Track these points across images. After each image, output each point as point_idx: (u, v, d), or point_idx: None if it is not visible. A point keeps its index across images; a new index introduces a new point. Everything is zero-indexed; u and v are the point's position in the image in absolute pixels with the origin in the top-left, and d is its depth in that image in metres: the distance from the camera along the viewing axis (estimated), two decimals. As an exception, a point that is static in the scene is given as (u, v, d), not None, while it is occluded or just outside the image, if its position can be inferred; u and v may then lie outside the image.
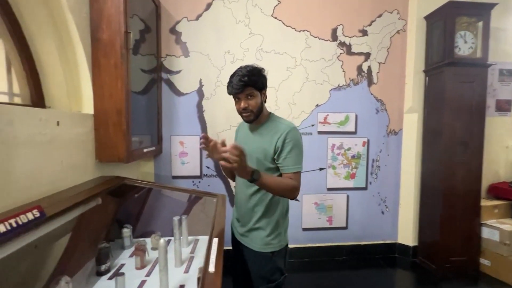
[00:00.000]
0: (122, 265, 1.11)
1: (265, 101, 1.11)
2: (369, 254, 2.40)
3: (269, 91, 2.22)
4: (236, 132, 1.32)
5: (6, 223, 0.65)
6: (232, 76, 1.07)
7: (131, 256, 1.19)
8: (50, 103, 1.26)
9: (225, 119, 2.13)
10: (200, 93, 2.11)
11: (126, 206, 1.41)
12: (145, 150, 1.65)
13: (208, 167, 2.14)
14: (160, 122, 2.04)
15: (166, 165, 2.08)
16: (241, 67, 1.07)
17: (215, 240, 0.87)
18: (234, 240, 1.24)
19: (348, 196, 2.35)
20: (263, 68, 1.08)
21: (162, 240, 0.88)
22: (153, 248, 1.26)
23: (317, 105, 2.26)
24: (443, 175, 2.08)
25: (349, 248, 2.38)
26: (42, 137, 0.95)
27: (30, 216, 0.72)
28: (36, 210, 0.75)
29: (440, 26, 2.11)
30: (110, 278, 1.01)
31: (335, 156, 2.31)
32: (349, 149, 2.32)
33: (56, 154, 1.02)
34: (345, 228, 2.36)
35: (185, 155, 2.10)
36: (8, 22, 1.10)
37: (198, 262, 1.13)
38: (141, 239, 1.34)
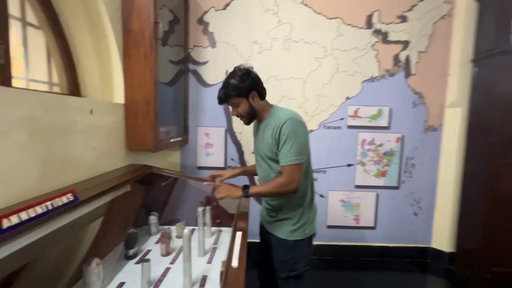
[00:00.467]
0: (149, 251, 1.15)
1: (263, 98, 1.11)
2: (398, 257, 2.26)
3: (296, 83, 2.17)
4: (253, 131, 1.32)
5: (42, 205, 0.68)
6: None
7: (157, 242, 1.22)
8: (85, 93, 1.31)
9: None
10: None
11: (153, 194, 1.45)
12: (172, 140, 1.68)
13: (232, 159, 2.14)
14: (186, 113, 2.06)
15: (192, 156, 2.12)
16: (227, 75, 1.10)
17: (239, 234, 0.85)
18: (262, 229, 1.27)
19: (377, 195, 2.22)
20: (244, 72, 1.06)
21: (186, 230, 0.87)
22: (178, 236, 1.28)
23: (347, 98, 2.14)
24: (489, 176, 1.87)
25: (377, 249, 2.26)
26: (77, 125, 0.99)
27: (64, 199, 0.76)
28: (70, 194, 0.78)
29: (494, 8, 1.86)
30: (137, 263, 1.05)
31: (365, 152, 2.18)
32: (380, 145, 2.17)
33: (89, 141, 1.07)
34: (373, 228, 2.25)
35: (210, 146, 2.12)
36: (48, 14, 1.16)
37: (221, 254, 1.13)
38: (166, 226, 1.37)
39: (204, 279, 0.95)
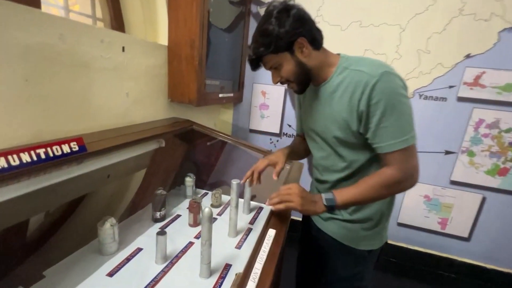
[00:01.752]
0: (178, 216, 1.02)
1: (318, 47, 0.73)
2: (495, 284, 1.68)
3: (389, 31, 1.55)
4: (297, 98, 0.94)
5: (32, 152, 0.55)
6: None
7: (188, 208, 1.09)
8: (129, 31, 1.16)
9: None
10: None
11: (192, 153, 1.30)
12: (220, 96, 1.47)
13: (289, 125, 1.83)
14: (243, 66, 1.79)
15: (245, 116, 1.90)
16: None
17: (270, 234, 0.59)
18: (308, 221, 0.96)
19: (484, 198, 1.60)
20: (280, 9, 0.67)
21: (207, 210, 0.67)
22: (213, 206, 1.13)
23: (467, 56, 1.47)
24: None
25: (465, 267, 1.72)
26: (104, 62, 0.84)
27: (66, 149, 0.62)
28: (75, 143, 0.64)
29: None
30: (160, 228, 0.93)
31: (479, 137, 1.53)
32: (509, 130, 1.48)
33: (120, 84, 0.92)
34: (466, 239, 1.69)
35: (265, 107, 1.84)
36: None
37: (254, 238, 0.91)
38: (203, 191, 1.24)
39: (226, 268, 0.76)
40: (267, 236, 0.61)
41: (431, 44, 1.49)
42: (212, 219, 0.68)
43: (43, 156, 0.57)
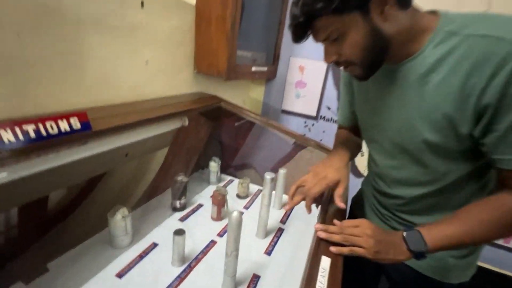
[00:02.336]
0: (200, 206, 0.90)
1: (405, 6, 0.46)
2: None
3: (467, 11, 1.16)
4: (344, 77, 0.71)
5: (17, 129, 0.42)
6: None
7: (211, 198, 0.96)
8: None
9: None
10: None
11: (218, 134, 1.15)
12: (253, 69, 1.27)
13: (329, 108, 1.59)
14: (280, 35, 1.55)
15: (278, 95, 1.69)
16: None
17: (324, 265, 0.42)
18: None
19: None
20: None
21: (235, 214, 0.52)
22: (239, 196, 0.99)
23: None
24: None
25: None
26: (118, 20, 0.68)
27: (64, 126, 0.49)
28: (76, 118, 0.51)
29: None
30: (180, 220, 0.82)
31: None
32: None
33: (138, 49, 0.77)
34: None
35: (302, 85, 1.61)
36: None
37: (288, 242, 0.77)
38: (228, 177, 1.10)
39: (254, 281, 0.63)
40: (321, 269, 0.44)
41: (531, 10, 1.12)
42: (241, 226, 0.54)
43: (32, 134, 0.44)
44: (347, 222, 0.56)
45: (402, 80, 0.52)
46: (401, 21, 0.46)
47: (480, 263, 1.47)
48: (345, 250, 0.51)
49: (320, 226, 0.58)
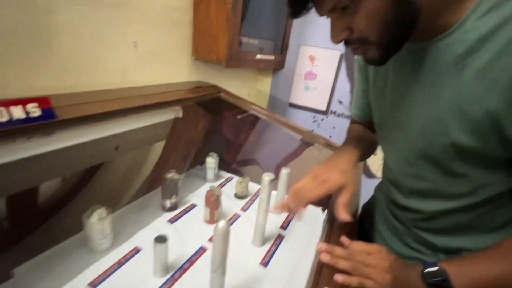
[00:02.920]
0: (193, 206, 0.82)
1: None
2: None
3: None
4: (359, 63, 0.58)
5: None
6: None
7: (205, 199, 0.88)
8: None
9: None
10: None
11: (217, 127, 1.07)
12: (257, 57, 1.16)
13: (341, 102, 1.47)
14: (289, 23, 1.43)
15: (285, 86, 1.57)
16: None
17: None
18: None
19: None
20: None
21: (221, 224, 0.43)
22: (237, 196, 0.90)
23: None
24: None
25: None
26: (99, -8, 0.59)
27: (18, 113, 0.41)
28: (35, 104, 0.43)
29: None
30: (169, 221, 0.74)
31: None
32: None
33: (125, 28, 0.68)
34: None
35: (313, 77, 1.49)
36: None
37: (287, 252, 0.68)
38: (227, 175, 1.02)
39: (246, 298, 0.54)
40: None
41: None
42: (228, 237, 0.45)
43: (-28, 122, 0.36)
44: (359, 246, 0.46)
45: (431, 65, 0.40)
46: None
47: None
48: (354, 280, 0.41)
49: (324, 246, 0.48)
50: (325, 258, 0.46)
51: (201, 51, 0.94)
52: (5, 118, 0.39)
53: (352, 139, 0.64)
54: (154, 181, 0.89)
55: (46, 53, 0.53)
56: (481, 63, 0.35)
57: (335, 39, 0.41)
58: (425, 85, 0.42)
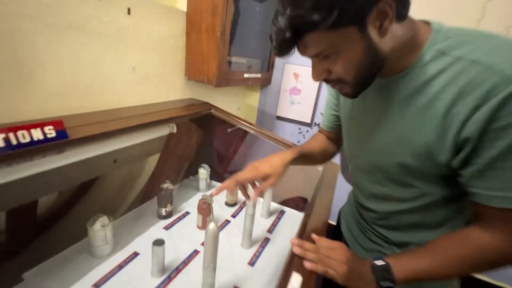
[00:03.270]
0: (186, 213, 0.89)
1: (403, 17, 0.41)
2: None
3: (465, 4, 1.17)
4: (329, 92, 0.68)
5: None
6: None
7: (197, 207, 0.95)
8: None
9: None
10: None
11: (209, 141, 1.15)
12: (245, 76, 1.27)
13: (322, 114, 1.58)
14: (275, 42, 1.55)
15: (272, 101, 1.69)
16: None
17: (294, 284, 0.41)
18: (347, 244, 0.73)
19: None
20: None
21: (211, 226, 0.51)
22: (227, 204, 0.98)
23: None
24: None
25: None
26: (102, 26, 0.68)
27: (37, 135, 0.48)
28: (51, 127, 0.50)
29: None
30: (165, 228, 0.81)
31: None
32: None
33: (124, 55, 0.77)
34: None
35: (297, 92, 1.61)
36: None
37: (273, 252, 0.75)
38: (218, 185, 1.09)
39: (235, 293, 0.61)
40: (289, 286, 0.43)
41: (525, 19, 1.11)
42: (217, 238, 0.52)
43: (1, 143, 0.43)
44: (325, 242, 0.54)
45: (388, 98, 0.48)
46: (398, 35, 0.42)
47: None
48: (318, 268, 0.49)
49: (296, 241, 0.56)
50: (297, 250, 0.54)
51: (193, 72, 1.03)
52: (27, 140, 0.47)
53: (301, 145, 0.73)
54: (149, 191, 0.96)
55: (56, 79, 0.61)
56: (422, 102, 0.43)
57: (315, 78, 0.47)
58: (382, 113, 0.50)
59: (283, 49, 0.43)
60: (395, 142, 0.48)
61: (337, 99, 0.70)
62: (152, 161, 1.02)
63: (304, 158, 0.68)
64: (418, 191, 0.50)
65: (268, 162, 0.61)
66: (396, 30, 0.41)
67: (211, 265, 0.54)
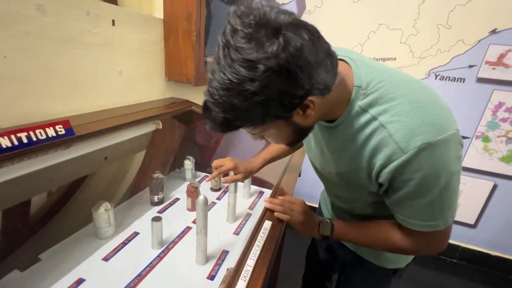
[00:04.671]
0: (177, 200, 1.01)
1: (328, 91, 0.41)
2: (497, 270, 1.67)
3: (405, 3, 1.44)
4: None
5: (13, 136, 0.52)
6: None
7: (186, 192, 1.07)
8: (122, 3, 1.08)
9: (335, 42, 1.55)
10: (300, 3, 1.55)
11: (192, 135, 1.26)
12: (221, 74, 1.39)
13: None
14: (247, 42, 1.68)
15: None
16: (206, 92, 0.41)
17: (266, 226, 0.56)
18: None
19: (495, 186, 1.54)
20: (263, 37, 0.34)
21: (201, 197, 0.64)
22: (212, 189, 1.10)
23: (493, 31, 1.33)
24: None
25: (469, 254, 1.71)
26: (92, 37, 0.77)
27: (51, 132, 0.58)
28: (61, 126, 0.60)
29: None
30: (158, 212, 0.92)
31: (496, 122, 1.44)
32: (530, 115, 1.38)
33: (112, 61, 0.86)
34: (472, 226, 1.66)
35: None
36: None
37: (253, 224, 0.89)
38: (203, 174, 1.21)
39: (223, 255, 0.75)
40: (262, 228, 0.58)
41: (452, 18, 1.35)
42: (207, 207, 0.65)
43: (25, 140, 0.53)
44: (288, 198, 0.70)
45: (331, 139, 0.55)
46: (320, 108, 0.44)
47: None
48: (283, 216, 0.65)
49: (268, 198, 0.72)
50: (268, 204, 0.70)
51: (172, 74, 1.14)
52: (44, 137, 0.57)
53: (270, 148, 0.92)
54: (138, 184, 1.05)
55: (55, 86, 0.70)
56: (352, 151, 0.49)
57: (253, 138, 0.53)
58: (331, 145, 0.55)
59: (222, 130, 0.43)
60: (340, 173, 0.57)
61: None
62: (136, 158, 1.11)
63: (273, 158, 0.91)
64: (371, 200, 0.60)
65: (244, 165, 0.85)
66: (321, 104, 0.42)
67: (203, 230, 0.67)
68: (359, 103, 0.46)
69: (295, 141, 0.50)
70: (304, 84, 0.37)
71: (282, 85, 0.36)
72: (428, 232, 0.49)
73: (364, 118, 0.46)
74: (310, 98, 0.39)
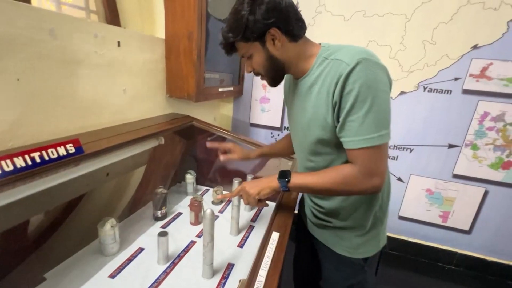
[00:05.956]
0: (179, 214, 1.02)
1: (296, 38, 0.65)
2: (494, 275, 1.70)
3: (394, 21, 1.51)
4: (284, 92, 0.88)
5: (27, 156, 0.53)
6: None
7: (189, 206, 1.08)
8: (125, 23, 1.12)
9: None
10: (294, 22, 1.63)
11: (192, 149, 1.28)
12: (220, 90, 1.43)
13: (290, 119, 1.80)
14: (242, 59, 1.74)
15: (245, 110, 1.87)
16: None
17: (274, 237, 0.58)
18: (302, 229, 0.92)
19: (486, 192, 1.60)
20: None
21: (209, 211, 0.65)
22: (214, 203, 1.12)
23: (474, 47, 1.43)
24: None
25: (465, 259, 1.74)
26: (99, 58, 0.80)
27: (62, 151, 0.60)
28: (71, 144, 0.62)
29: None
30: (162, 227, 0.92)
31: (483, 131, 1.51)
32: (514, 123, 1.46)
33: (117, 80, 0.89)
34: (467, 232, 1.70)
35: (266, 101, 1.81)
36: None
37: (257, 236, 0.91)
38: (204, 188, 1.23)
39: (229, 268, 0.76)
40: (271, 240, 0.59)
41: (437, 34, 1.44)
42: (214, 221, 0.67)
43: (38, 160, 0.55)
44: (236, 191, 0.80)
45: (300, 91, 0.69)
46: (291, 49, 0.65)
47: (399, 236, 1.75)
48: (230, 194, 0.82)
49: (220, 196, 0.85)
50: (219, 197, 0.92)
51: (173, 90, 1.17)
52: (55, 156, 0.59)
53: (272, 144, 1.04)
54: (140, 198, 1.06)
55: (64, 105, 0.72)
56: (316, 90, 0.63)
57: (246, 71, 0.72)
58: (298, 103, 0.71)
59: (227, 50, 0.70)
60: (308, 122, 0.67)
61: (285, 96, 0.87)
62: (140, 172, 1.12)
63: (272, 154, 1.02)
64: (331, 158, 0.68)
65: (243, 149, 0.99)
66: (292, 46, 0.65)
67: (210, 243, 0.68)
68: (324, 54, 0.64)
69: (272, 71, 0.68)
70: (272, 17, 0.60)
71: (259, 15, 0.59)
72: (368, 149, 0.57)
73: (325, 63, 0.62)
74: (273, 30, 0.61)
